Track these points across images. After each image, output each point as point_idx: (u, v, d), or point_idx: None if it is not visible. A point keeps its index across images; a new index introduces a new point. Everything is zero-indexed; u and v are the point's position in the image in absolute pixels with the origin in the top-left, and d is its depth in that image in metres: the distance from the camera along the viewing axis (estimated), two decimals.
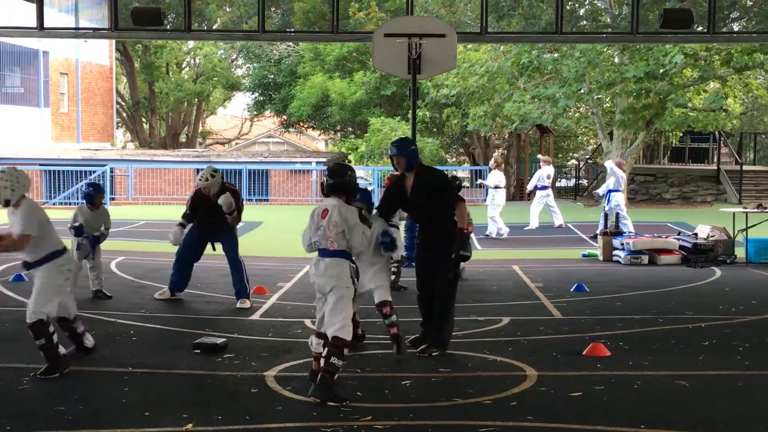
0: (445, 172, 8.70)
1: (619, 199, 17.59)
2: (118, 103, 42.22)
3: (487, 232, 18.45)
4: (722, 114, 27.10)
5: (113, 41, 36.35)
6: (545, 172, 20.33)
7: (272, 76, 42.28)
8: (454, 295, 7.82)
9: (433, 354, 7.55)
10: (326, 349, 6.22)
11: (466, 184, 34.49)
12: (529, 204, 20.88)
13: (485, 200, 19.92)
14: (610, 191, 17.58)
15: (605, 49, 24.41)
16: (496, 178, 18.75)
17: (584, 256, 15.43)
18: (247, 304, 10.11)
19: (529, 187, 20.60)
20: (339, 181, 6.43)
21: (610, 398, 6.22)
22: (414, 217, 7.75)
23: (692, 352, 7.76)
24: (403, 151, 7.71)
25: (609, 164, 18.42)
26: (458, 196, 8.12)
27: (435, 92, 28.71)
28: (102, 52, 37.32)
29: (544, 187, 20.23)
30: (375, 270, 7.54)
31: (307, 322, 9.25)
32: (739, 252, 14.59)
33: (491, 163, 20.10)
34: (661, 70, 23.00)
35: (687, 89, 25.53)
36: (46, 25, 13.85)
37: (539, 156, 21.79)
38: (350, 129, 39.87)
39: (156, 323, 9.09)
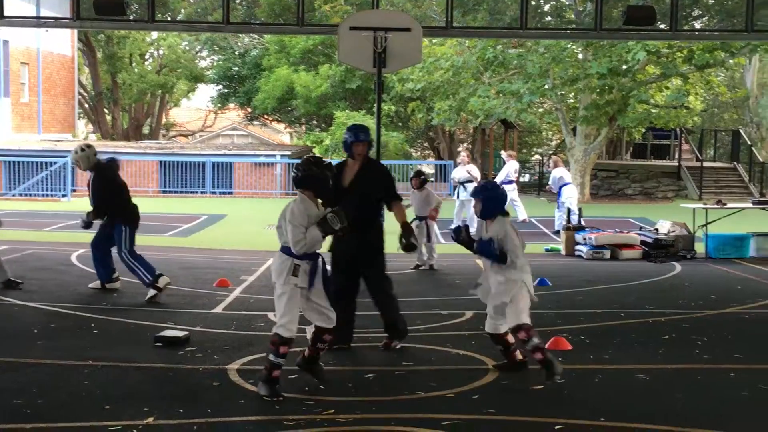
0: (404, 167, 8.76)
1: (570, 193, 17.78)
2: (80, 93, 41.73)
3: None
4: (684, 111, 27.41)
5: (75, 31, 35.91)
6: (513, 167, 20.46)
7: (237, 69, 42.07)
8: (391, 284, 7.77)
9: (397, 347, 7.54)
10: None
11: (431, 179, 34.58)
12: None
13: (451, 195, 19.98)
14: (561, 186, 17.82)
15: (569, 46, 24.57)
16: (472, 172, 18.94)
17: (547, 250, 15.55)
18: (152, 292, 9.89)
19: (497, 180, 20.69)
20: (299, 174, 6.18)
21: (571, 391, 6.27)
22: (345, 206, 7.40)
23: (652, 346, 7.84)
24: (368, 137, 7.60)
25: (557, 171, 18.69)
26: (398, 196, 7.96)
27: (400, 86, 28.73)
28: (64, 42, 36.84)
29: (509, 182, 20.33)
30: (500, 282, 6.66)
31: (270, 315, 9.20)
32: (699, 247, 14.78)
33: (463, 157, 20.17)
34: (624, 67, 23.21)
35: (649, 86, 25.78)
36: (6, 13, 13.62)
37: (502, 152, 21.88)
38: (315, 122, 39.78)
39: (117, 316, 9.01)
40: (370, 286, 7.66)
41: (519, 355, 6.75)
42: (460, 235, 6.75)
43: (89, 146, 10.29)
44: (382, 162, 8.63)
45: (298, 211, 6.01)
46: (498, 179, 20.53)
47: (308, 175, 6.13)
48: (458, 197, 19.01)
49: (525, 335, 6.42)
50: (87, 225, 10.22)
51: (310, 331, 6.58)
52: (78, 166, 10.08)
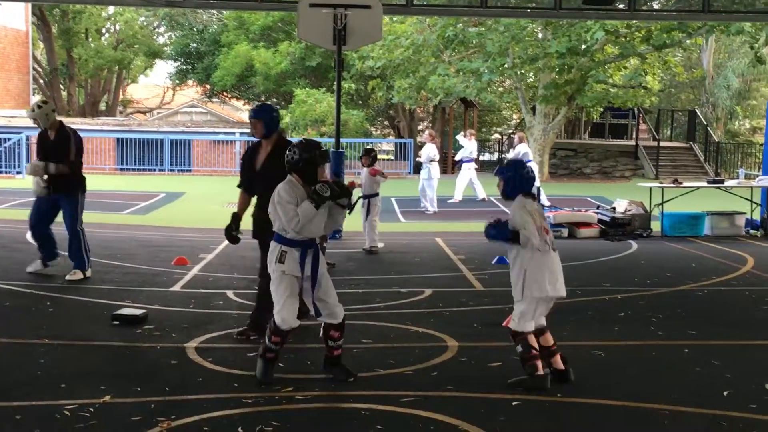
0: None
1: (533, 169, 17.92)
2: (34, 69, 40.99)
3: (433, 209, 18.61)
4: (641, 91, 27.65)
5: (29, 5, 35.27)
6: (473, 146, 20.56)
7: (195, 45, 41.63)
8: None
9: (252, 337, 7.08)
10: None
11: (390, 156, 34.57)
12: (454, 177, 21.07)
13: (410, 173, 20.04)
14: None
15: (529, 24, 24.63)
16: (431, 151, 19.01)
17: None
18: (78, 275, 9.58)
19: (457, 157, 20.80)
20: (295, 157, 5.82)
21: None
22: (257, 190, 7.14)
23: (608, 323, 7.94)
24: (260, 114, 7.21)
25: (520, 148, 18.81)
26: None
27: (360, 64, 28.63)
28: (17, 16, 36.14)
29: (469, 160, 20.44)
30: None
31: (229, 293, 9.19)
32: (655, 226, 14.97)
33: (425, 136, 20.21)
34: (583, 47, 23.33)
35: (608, 66, 25.96)
36: None
37: (458, 136, 21.93)
38: (275, 100, 39.52)
39: (73, 294, 8.91)
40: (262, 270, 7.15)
41: (558, 363, 5.97)
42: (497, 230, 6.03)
43: (45, 102, 9.82)
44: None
45: (285, 191, 5.79)
46: (458, 156, 20.65)
47: (302, 158, 5.82)
48: (424, 176, 19.13)
49: (513, 340, 5.92)
50: (47, 187, 9.55)
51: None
52: (36, 124, 9.66)
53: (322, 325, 5.94)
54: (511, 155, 18.94)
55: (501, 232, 6.00)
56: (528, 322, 5.86)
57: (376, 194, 12.63)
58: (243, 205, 7.34)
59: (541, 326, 5.97)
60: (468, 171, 20.37)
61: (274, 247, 5.85)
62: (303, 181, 5.83)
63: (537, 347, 5.84)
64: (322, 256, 5.98)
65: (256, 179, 7.23)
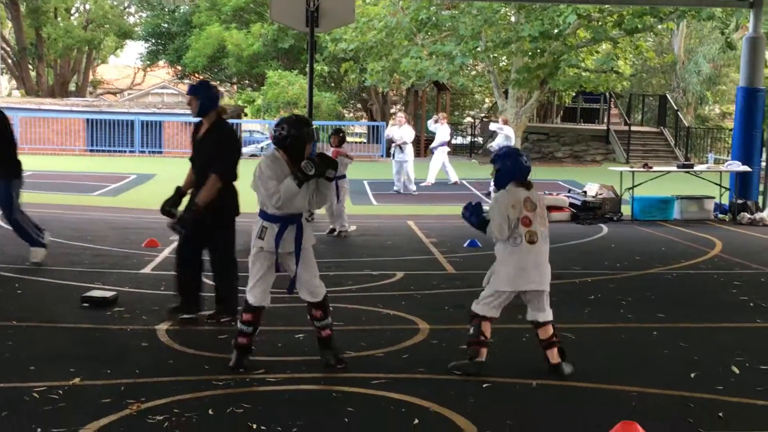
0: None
1: None
2: (2, 48, 40.46)
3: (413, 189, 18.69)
4: (613, 75, 27.77)
5: None
6: (446, 129, 20.58)
7: (166, 26, 41.25)
8: (233, 264, 7.27)
9: (223, 320, 7.00)
10: None
11: (363, 139, 34.53)
12: (427, 160, 21.11)
13: (382, 156, 20.06)
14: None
15: (502, 8, 24.63)
16: (407, 133, 19.06)
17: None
18: (40, 252, 9.28)
19: (433, 144, 20.81)
20: (282, 133, 5.68)
21: (500, 350, 6.35)
22: (194, 171, 7.05)
23: (578, 306, 8.00)
24: (194, 92, 7.03)
25: (495, 126, 18.87)
26: (220, 171, 6.92)
27: (333, 46, 28.50)
28: None
29: (442, 144, 20.46)
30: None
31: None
32: (626, 210, 15.08)
33: (400, 118, 20.19)
34: (556, 31, 23.36)
35: (580, 50, 26.03)
36: None
37: (430, 122, 21.93)
38: (247, 82, 39.29)
39: (42, 276, 8.83)
40: (210, 256, 7.20)
41: (553, 357, 5.87)
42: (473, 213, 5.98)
43: None
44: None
45: (267, 167, 5.64)
46: (435, 142, 20.66)
47: (290, 135, 5.67)
48: (394, 158, 19.17)
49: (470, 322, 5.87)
50: None
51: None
52: None
53: (307, 305, 5.85)
54: (493, 127, 18.87)
55: (472, 216, 5.98)
56: (492, 309, 5.83)
57: (343, 176, 12.46)
58: (188, 182, 7.17)
59: (536, 321, 5.90)
60: (441, 155, 20.40)
61: (256, 222, 5.76)
62: (289, 158, 5.68)
63: (487, 336, 5.79)
64: (309, 232, 5.83)
65: (192, 157, 7.16)
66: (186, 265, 7.18)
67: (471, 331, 5.83)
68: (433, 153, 20.79)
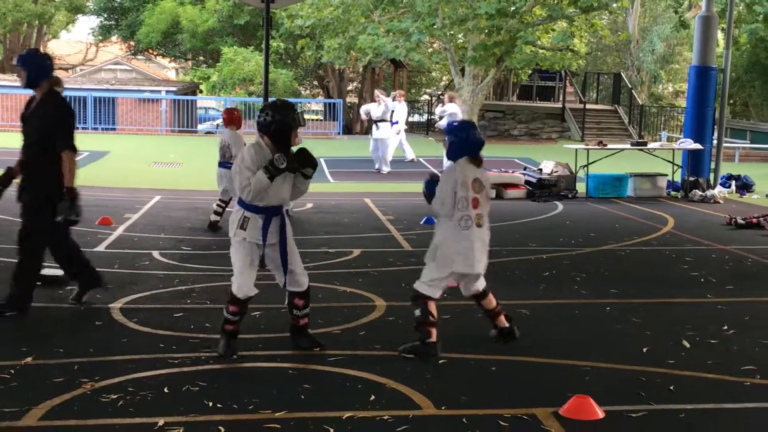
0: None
1: None
2: None
3: (385, 170, 18.64)
4: (569, 54, 27.90)
5: None
6: (403, 107, 20.54)
7: (119, 0, 40.52)
8: (37, 253, 6.71)
9: (7, 314, 6.46)
10: None
11: (320, 117, 34.37)
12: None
13: (339, 134, 19.99)
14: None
15: None
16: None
17: None
18: None
19: (399, 127, 20.73)
20: (266, 118, 5.50)
21: (455, 327, 6.41)
22: (23, 148, 6.54)
23: (534, 282, 8.08)
24: (22, 62, 6.52)
25: (439, 110, 18.93)
26: (70, 145, 6.41)
27: (289, 23, 28.24)
28: None
29: (395, 123, 20.40)
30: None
31: (155, 253, 9.08)
32: (581, 187, 15.23)
33: (378, 96, 20.11)
34: (512, 8, 23.38)
35: (536, 28, 26.09)
36: None
37: (394, 93, 21.89)
38: (202, 58, 38.83)
39: None
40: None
41: (502, 322, 6.06)
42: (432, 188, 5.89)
43: None
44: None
45: (249, 155, 5.45)
46: (401, 122, 20.61)
47: (275, 120, 5.49)
48: (372, 135, 19.16)
49: (413, 303, 5.84)
50: None
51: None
52: None
53: (287, 294, 5.76)
54: (437, 113, 18.95)
55: (426, 189, 5.92)
56: (438, 290, 5.83)
57: None
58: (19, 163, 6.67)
59: (477, 291, 5.96)
60: (399, 132, 20.37)
61: (236, 211, 5.59)
62: (274, 145, 5.51)
63: (435, 315, 5.78)
64: (289, 223, 5.76)
65: (24, 131, 6.59)
66: (60, 248, 6.78)
67: (418, 312, 5.78)
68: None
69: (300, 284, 5.73)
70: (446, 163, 6.27)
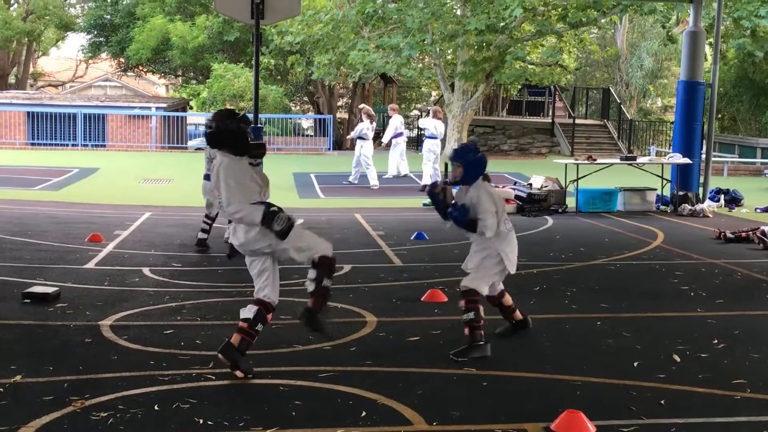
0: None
1: (430, 146, 17.86)
2: None
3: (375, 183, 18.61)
4: (558, 69, 28.03)
5: None
6: (398, 120, 20.56)
7: (109, 17, 40.53)
8: None
9: None
10: None
11: (310, 132, 34.37)
12: (387, 153, 21.09)
13: (329, 150, 19.99)
14: (428, 137, 18.03)
15: (448, 2, 24.70)
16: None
17: (425, 205, 15.72)
18: None
19: (385, 139, 20.74)
20: (213, 129, 5.47)
21: (446, 342, 6.40)
22: None
23: (524, 297, 8.07)
24: None
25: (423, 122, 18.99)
26: None
27: (279, 39, 28.29)
28: None
29: (398, 135, 20.44)
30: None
31: (146, 270, 9.06)
32: (570, 202, 15.25)
33: (362, 113, 20.11)
34: (502, 24, 23.49)
35: (525, 43, 26.22)
36: None
37: (390, 106, 21.92)
38: (192, 74, 38.85)
39: None
40: None
41: (520, 314, 6.65)
42: (437, 193, 6.25)
43: None
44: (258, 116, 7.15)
45: (237, 174, 5.35)
46: (387, 135, 20.61)
47: (223, 130, 5.45)
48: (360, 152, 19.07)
49: (464, 304, 6.07)
50: None
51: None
52: None
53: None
54: (421, 125, 18.96)
55: (460, 217, 6.15)
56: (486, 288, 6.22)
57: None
58: None
59: (502, 290, 6.52)
60: (396, 146, 20.39)
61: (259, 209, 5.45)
62: (234, 153, 5.47)
63: (484, 318, 6.15)
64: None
65: None
66: None
67: (472, 315, 6.05)
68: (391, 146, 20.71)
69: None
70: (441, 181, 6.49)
